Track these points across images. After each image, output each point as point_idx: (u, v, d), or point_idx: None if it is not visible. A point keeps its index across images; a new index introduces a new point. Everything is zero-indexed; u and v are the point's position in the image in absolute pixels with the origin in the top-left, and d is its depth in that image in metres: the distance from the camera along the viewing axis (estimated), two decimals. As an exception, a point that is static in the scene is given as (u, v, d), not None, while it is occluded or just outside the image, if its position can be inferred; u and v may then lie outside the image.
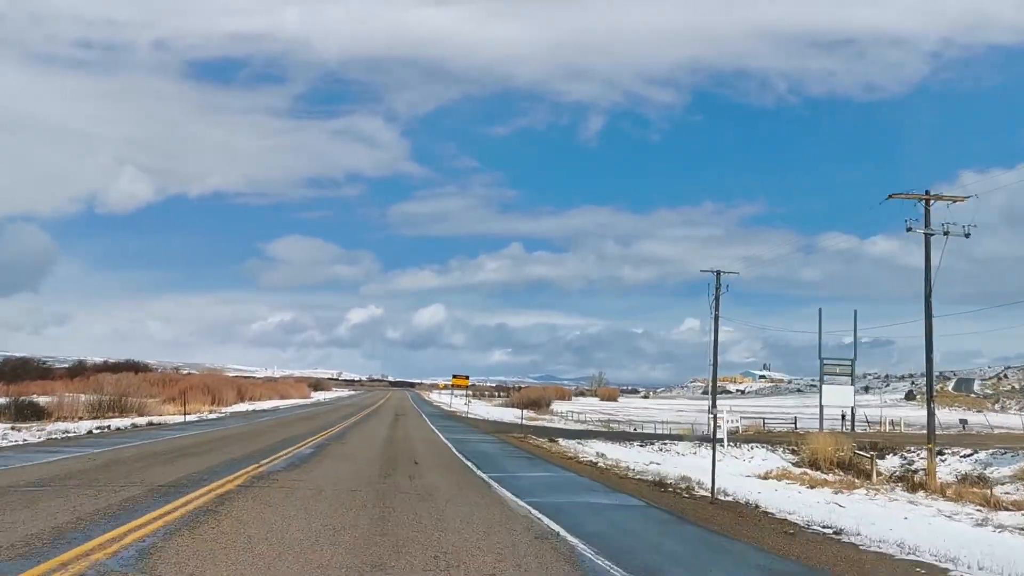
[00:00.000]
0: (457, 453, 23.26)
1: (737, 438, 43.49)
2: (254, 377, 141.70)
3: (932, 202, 34.67)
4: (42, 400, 43.04)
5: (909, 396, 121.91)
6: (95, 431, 28.26)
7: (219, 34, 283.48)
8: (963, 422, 57.94)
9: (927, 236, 34.24)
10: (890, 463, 39.61)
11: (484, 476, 16.85)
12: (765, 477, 31.37)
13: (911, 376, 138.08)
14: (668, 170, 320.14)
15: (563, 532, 10.15)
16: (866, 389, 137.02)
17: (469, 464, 19.65)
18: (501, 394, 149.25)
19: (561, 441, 34.09)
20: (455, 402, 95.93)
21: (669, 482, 17.97)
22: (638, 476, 19.43)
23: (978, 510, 22.57)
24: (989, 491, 27.33)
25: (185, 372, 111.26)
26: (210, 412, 54.15)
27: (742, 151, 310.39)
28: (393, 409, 69.90)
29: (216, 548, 8.23)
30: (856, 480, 32.31)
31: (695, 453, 39.04)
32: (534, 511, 11.90)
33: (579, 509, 12.57)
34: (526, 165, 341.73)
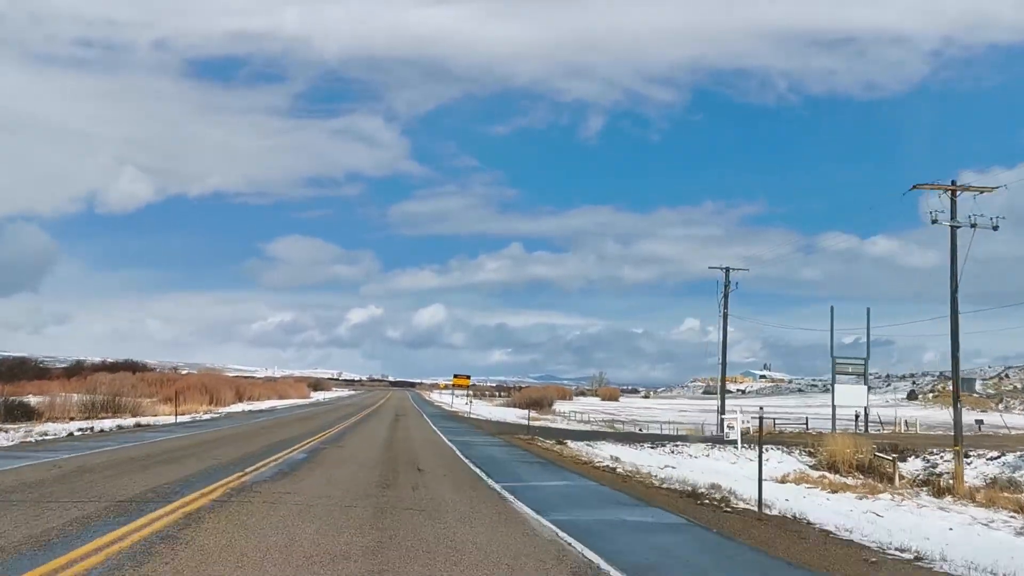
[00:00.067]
0: (463, 458, 21.18)
1: (749, 439, 41.46)
2: (254, 377, 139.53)
3: (958, 193, 32.70)
4: (34, 400, 41.41)
5: (911, 396, 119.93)
6: (76, 433, 26.19)
7: (219, 33, 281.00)
8: (979, 423, 55.90)
9: (953, 229, 32.25)
10: (912, 466, 37.49)
11: (496, 486, 14.79)
12: (783, 481, 29.50)
13: (912, 376, 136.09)
14: (668, 169, 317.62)
15: (604, 565, 8.10)
16: (868, 389, 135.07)
17: (478, 471, 17.58)
18: (502, 394, 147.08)
19: (570, 443, 32.05)
20: (456, 402, 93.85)
21: (701, 492, 15.93)
22: (664, 484, 17.38)
23: (1012, 517, 20.87)
24: (1022, 496, 25.61)
25: (184, 372, 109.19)
26: (206, 413, 52.12)
27: (742, 150, 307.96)
28: (393, 409, 67.76)
29: (162, 596, 6.18)
30: (879, 484, 30.28)
31: (707, 455, 37.16)
32: (562, 533, 9.84)
33: (614, 530, 10.50)
34: (526, 164, 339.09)
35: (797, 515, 13.96)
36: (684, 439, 41.91)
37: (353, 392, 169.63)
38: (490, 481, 15.60)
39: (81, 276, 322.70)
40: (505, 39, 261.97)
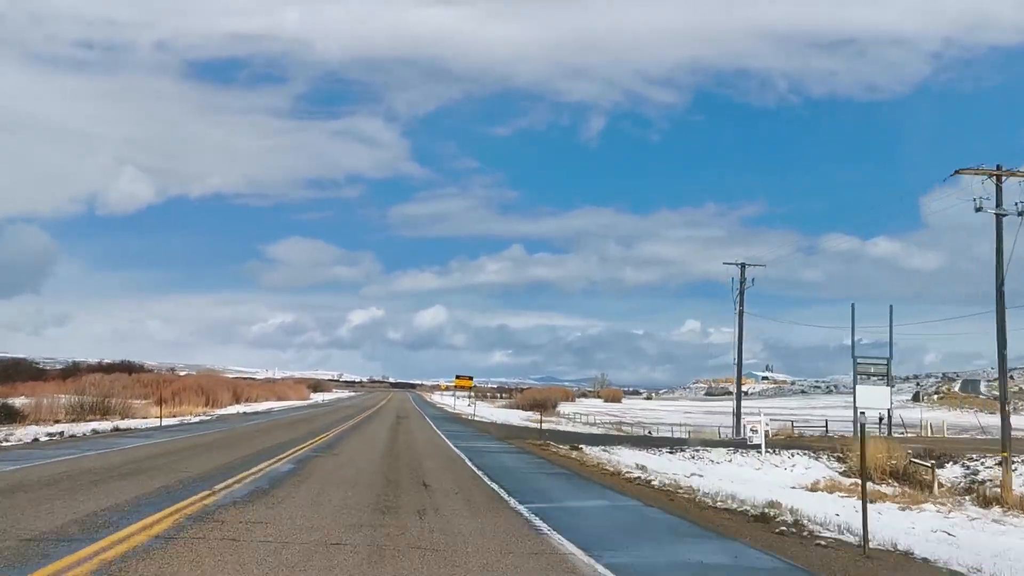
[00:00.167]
0: (474, 468, 18.12)
1: (772, 443, 38.47)
2: (254, 378, 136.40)
3: (1004, 179, 29.80)
4: (20, 402, 38.92)
5: (916, 398, 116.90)
6: (43, 439, 23.17)
7: (219, 34, 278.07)
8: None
9: (999, 216, 29.35)
10: (950, 472, 34.39)
11: (522, 509, 11.76)
12: (814, 489, 26.69)
13: (915, 377, 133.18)
14: (669, 170, 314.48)
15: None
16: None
17: (495, 487, 14.53)
18: (503, 395, 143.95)
19: (586, 448, 29.06)
20: (458, 404, 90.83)
21: (767, 514, 12.92)
22: (717, 502, 14.38)
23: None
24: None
25: (182, 373, 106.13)
26: (199, 415, 49.16)
27: (743, 151, 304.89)
28: (394, 411, 64.62)
29: None
30: (918, 493, 27.30)
31: (730, 460, 34.29)
32: (634, 591, 6.84)
33: (699, 582, 7.49)
34: (527, 166, 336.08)
35: (898, 547, 11.00)
36: (703, 443, 39.04)
37: (353, 393, 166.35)
38: (513, 501, 12.57)
39: (81, 277, 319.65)
40: (505, 40, 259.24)
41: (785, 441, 42.35)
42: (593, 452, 28.66)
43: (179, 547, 7.84)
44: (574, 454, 25.58)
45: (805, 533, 11.32)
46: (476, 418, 59.61)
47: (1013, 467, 32.80)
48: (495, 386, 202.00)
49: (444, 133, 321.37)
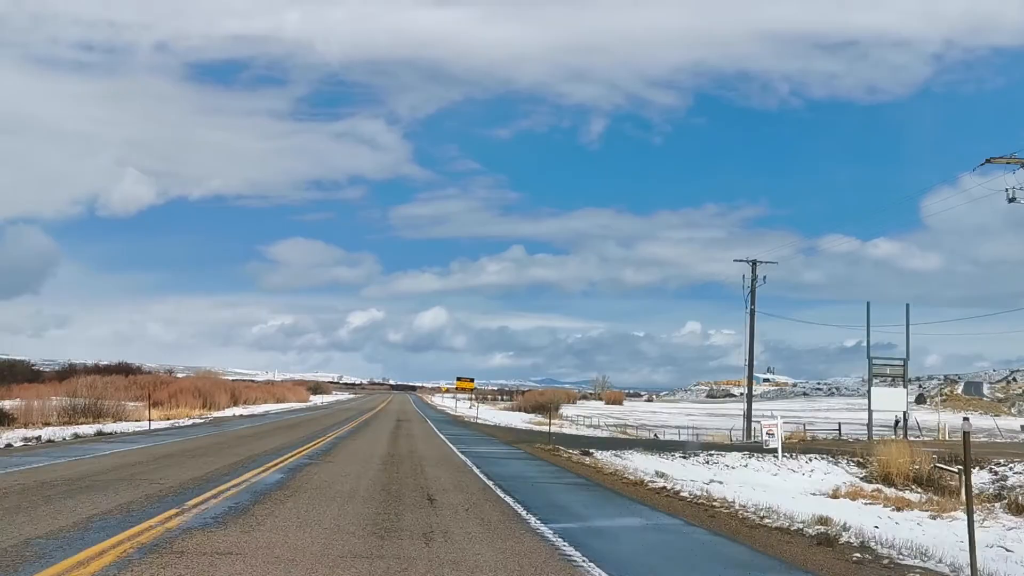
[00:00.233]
0: (484, 478, 16.16)
1: (786, 447, 36.54)
2: (254, 381, 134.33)
3: (1038, 168, 28.01)
4: (11, 404, 37.39)
5: (920, 400, 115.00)
6: (17, 444, 21.27)
7: (220, 36, 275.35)
8: None
9: (1032, 208, 27.53)
10: (977, 478, 32.48)
11: (547, 531, 9.82)
12: (835, 496, 24.84)
13: (918, 379, 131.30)
14: (670, 172, 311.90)
15: None
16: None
17: (510, 500, 12.59)
18: (504, 397, 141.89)
19: (597, 453, 27.14)
20: (460, 406, 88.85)
21: (833, 536, 10.98)
22: (766, 520, 12.43)
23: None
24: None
25: (181, 375, 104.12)
26: (193, 417, 47.24)
27: (744, 153, 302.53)
28: (395, 414, 62.60)
29: None
30: (946, 500, 25.40)
31: (746, 465, 32.43)
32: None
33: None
34: (528, 167, 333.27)
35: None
36: (715, 447, 37.20)
37: (353, 396, 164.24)
38: (533, 520, 10.63)
39: (82, 279, 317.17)
40: (506, 42, 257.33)
41: (798, 445, 40.43)
42: (606, 457, 26.78)
43: (115, 595, 5.92)
44: (587, 460, 23.65)
45: (885, 561, 9.40)
46: (479, 421, 57.64)
47: (1046, 472, 30.93)
48: (495, 388, 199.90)
49: (445, 135, 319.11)
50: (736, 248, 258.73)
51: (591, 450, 28.36)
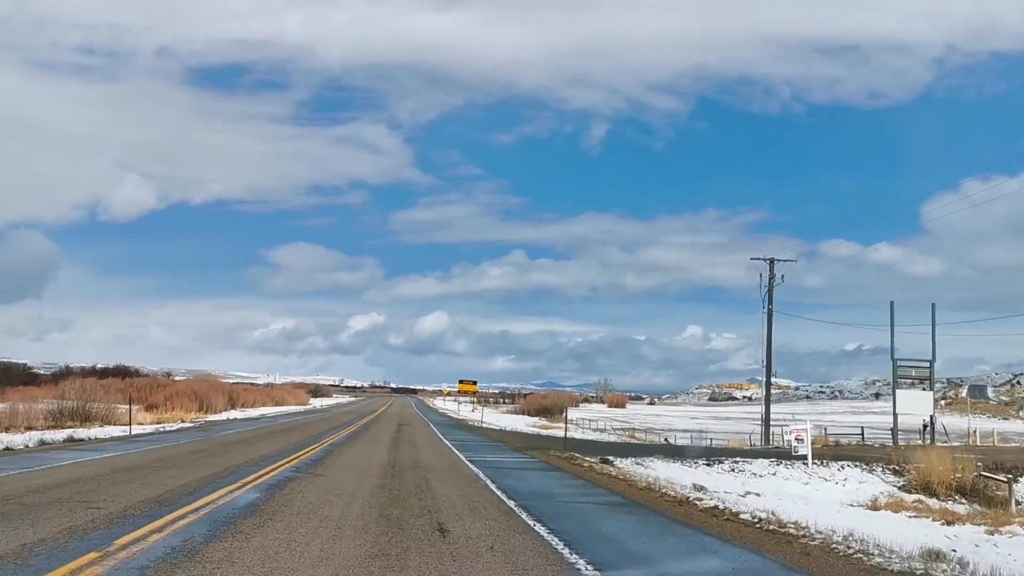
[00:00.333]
0: (503, 497, 13.24)
1: (819, 454, 33.74)
2: (254, 384, 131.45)
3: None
4: None
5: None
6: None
7: (222, 40, 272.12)
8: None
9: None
10: (1021, 488, 29.66)
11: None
12: (875, 507, 22.13)
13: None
14: (671, 177, 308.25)
15: None
16: (876, 396, 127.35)
17: (542, 531, 9.72)
18: (506, 400, 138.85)
19: (617, 462, 24.34)
20: (462, 409, 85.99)
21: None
22: (876, 557, 9.62)
23: None
24: None
25: (180, 378, 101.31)
26: (187, 420, 44.54)
27: (746, 158, 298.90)
28: (396, 417, 59.64)
29: None
30: (998, 513, 22.58)
31: (774, 474, 29.79)
32: None
33: None
34: (529, 173, 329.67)
35: None
36: (742, 454, 34.46)
37: (354, 399, 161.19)
38: (582, 563, 7.78)
39: (84, 283, 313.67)
40: (508, 47, 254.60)
41: (823, 451, 37.66)
42: (627, 466, 23.98)
43: None
44: (611, 470, 20.82)
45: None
46: (483, 425, 54.74)
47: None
48: (497, 391, 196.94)
49: (447, 140, 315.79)
50: (737, 253, 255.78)
51: (610, 458, 25.57)
